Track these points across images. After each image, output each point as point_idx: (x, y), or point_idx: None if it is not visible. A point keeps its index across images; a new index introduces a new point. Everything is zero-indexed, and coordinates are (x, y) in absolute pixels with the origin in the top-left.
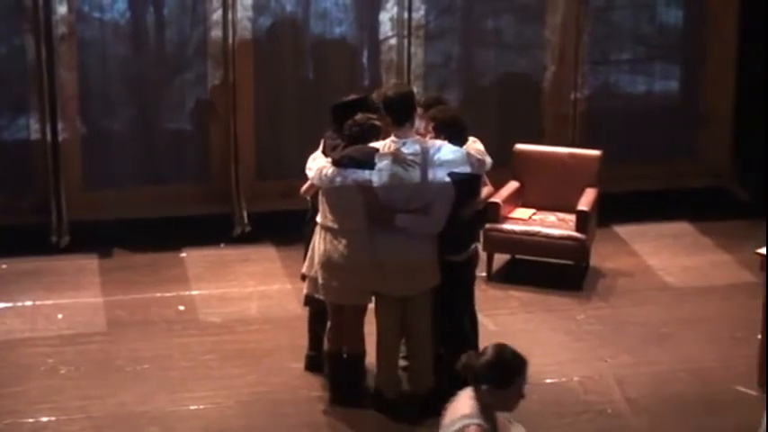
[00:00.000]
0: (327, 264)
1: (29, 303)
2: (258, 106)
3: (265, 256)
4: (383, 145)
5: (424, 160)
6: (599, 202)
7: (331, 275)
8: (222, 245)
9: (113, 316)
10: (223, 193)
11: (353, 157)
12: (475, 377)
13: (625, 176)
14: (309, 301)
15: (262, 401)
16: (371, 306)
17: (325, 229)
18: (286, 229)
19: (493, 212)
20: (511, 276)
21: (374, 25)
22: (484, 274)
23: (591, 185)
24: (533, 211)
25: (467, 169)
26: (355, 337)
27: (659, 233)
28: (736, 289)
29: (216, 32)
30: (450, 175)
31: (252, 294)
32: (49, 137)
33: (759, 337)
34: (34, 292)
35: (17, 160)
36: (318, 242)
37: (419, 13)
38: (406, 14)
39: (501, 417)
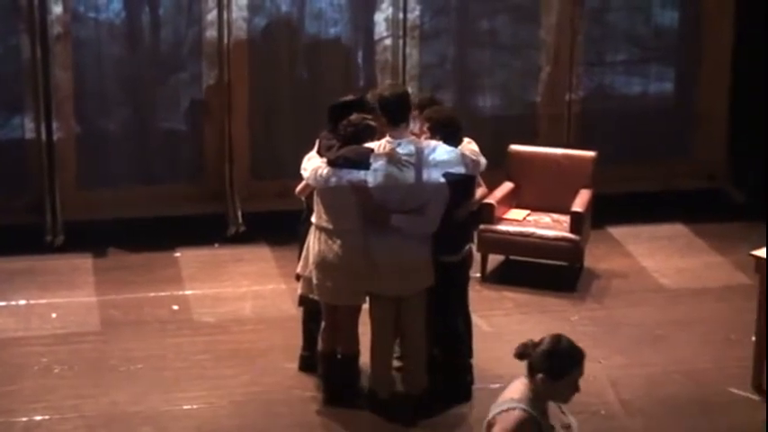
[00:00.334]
0: (322, 264)
1: (23, 302)
2: (253, 106)
3: (260, 256)
4: (378, 145)
5: (419, 161)
6: (593, 204)
7: (325, 276)
8: (216, 245)
9: (107, 315)
10: (217, 192)
11: (348, 157)
12: (530, 366)
13: (620, 178)
14: (304, 301)
15: (255, 401)
16: (366, 306)
17: (320, 229)
18: (280, 229)
19: (487, 213)
20: (505, 277)
21: (369, 26)
22: (478, 274)
23: (585, 186)
24: (528, 212)
25: (461, 170)
26: (349, 338)
27: (654, 235)
28: (731, 291)
29: (211, 32)
30: (444, 175)
31: (246, 294)
32: (43, 136)
33: (753, 339)
34: (28, 292)
35: (12, 159)
36: (313, 242)
37: (414, 14)
38: (401, 15)
39: (554, 407)
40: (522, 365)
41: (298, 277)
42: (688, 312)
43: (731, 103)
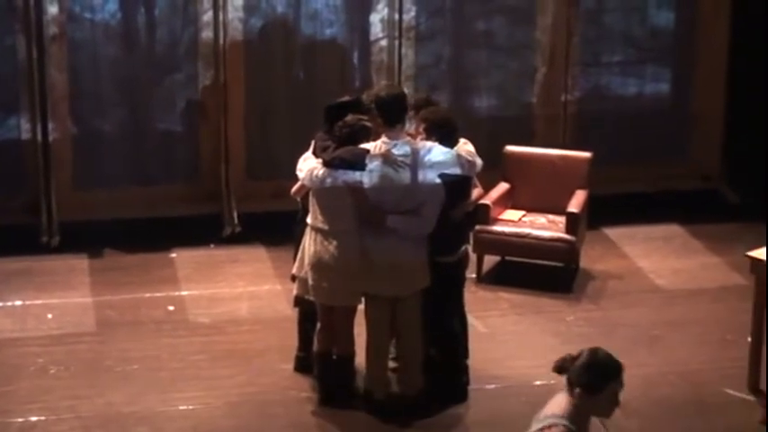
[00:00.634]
0: (318, 265)
1: (19, 303)
2: (249, 107)
3: (255, 257)
4: (374, 146)
5: (415, 161)
6: (589, 204)
7: (321, 276)
8: (212, 245)
9: (103, 316)
10: (213, 193)
11: (344, 158)
12: (568, 380)
13: (615, 178)
14: (299, 302)
15: (251, 402)
16: (361, 307)
17: (316, 230)
18: (276, 229)
19: (483, 214)
20: (501, 278)
21: (365, 26)
22: (474, 275)
23: (581, 187)
24: (523, 212)
25: (457, 171)
26: (345, 338)
27: (649, 235)
28: (726, 291)
29: (207, 33)
30: (440, 176)
31: (242, 295)
32: (39, 137)
33: (749, 339)
34: (24, 292)
35: (8, 160)
36: (309, 243)
37: (410, 15)
38: (396, 16)
39: (596, 423)
40: (518, 366)
41: (293, 278)
42: (684, 313)
43: (727, 104)
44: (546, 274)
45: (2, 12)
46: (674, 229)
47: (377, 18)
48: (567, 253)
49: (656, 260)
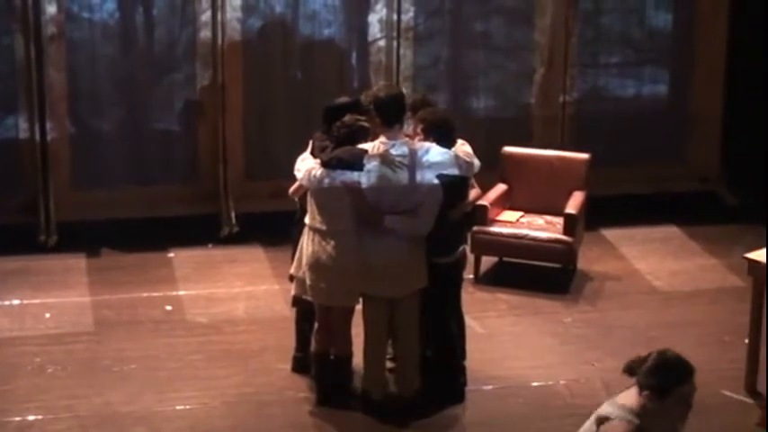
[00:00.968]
0: (315, 265)
1: (16, 302)
2: (247, 107)
3: (253, 257)
4: (372, 146)
5: (413, 162)
6: (587, 206)
7: (319, 277)
8: (210, 245)
9: (101, 316)
10: (211, 193)
11: (342, 158)
12: (637, 383)
13: (613, 180)
14: (297, 302)
15: (248, 402)
16: (359, 307)
17: (314, 230)
18: (274, 229)
19: (481, 215)
20: (498, 279)
21: (363, 27)
22: (471, 276)
23: (579, 188)
24: (521, 213)
25: (455, 171)
26: (342, 339)
27: (647, 237)
28: (724, 293)
29: (205, 33)
30: (438, 177)
31: (239, 295)
32: (37, 136)
33: (746, 341)
34: (22, 292)
35: (5, 160)
36: (306, 243)
37: (408, 15)
38: (395, 16)
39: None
40: (515, 367)
41: (291, 278)
42: (681, 315)
43: (725, 105)
44: (543, 275)
45: (0, 11)
46: (671, 231)
47: (375, 18)
48: (565, 254)
49: (653, 262)
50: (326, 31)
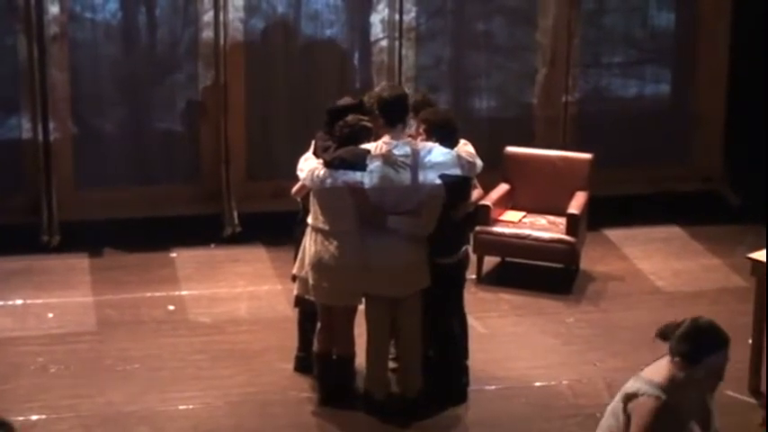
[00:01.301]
0: (318, 265)
1: (19, 302)
2: (249, 107)
3: (255, 257)
4: (375, 146)
5: (415, 162)
6: (589, 206)
7: (321, 276)
8: (212, 245)
9: (103, 315)
10: (213, 193)
11: (345, 158)
12: (670, 348)
13: (615, 180)
14: (300, 302)
15: (251, 402)
16: (361, 307)
17: (316, 230)
18: (276, 230)
19: (483, 215)
20: (501, 279)
21: (365, 27)
22: (474, 276)
23: (581, 189)
24: (523, 213)
25: (457, 171)
26: (345, 339)
27: (650, 237)
28: (727, 293)
29: (207, 33)
30: (440, 177)
31: (242, 295)
32: (40, 136)
33: (749, 341)
34: (25, 291)
35: (8, 160)
36: (309, 243)
37: (410, 15)
38: (397, 16)
39: (698, 396)
40: (518, 367)
41: (293, 278)
42: (684, 315)
43: (727, 105)
44: (546, 275)
45: (3, 11)
46: (674, 231)
47: (377, 19)
48: (568, 254)
49: (656, 262)
50: (328, 32)
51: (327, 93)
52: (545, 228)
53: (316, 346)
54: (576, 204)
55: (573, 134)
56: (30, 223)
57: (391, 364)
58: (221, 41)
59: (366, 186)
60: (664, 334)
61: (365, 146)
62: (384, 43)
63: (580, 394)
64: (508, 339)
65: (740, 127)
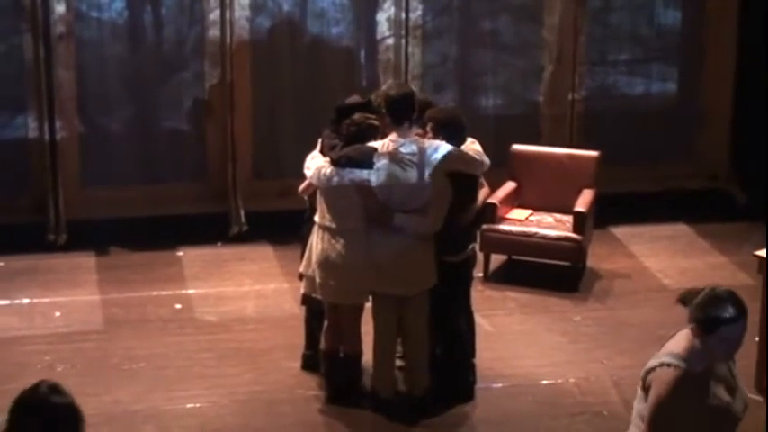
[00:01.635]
0: (325, 263)
1: (26, 301)
2: (255, 105)
3: (262, 256)
4: (382, 144)
5: (422, 160)
6: (596, 204)
7: (328, 275)
8: (219, 244)
9: (110, 314)
10: (220, 192)
11: (352, 156)
12: (688, 315)
13: (622, 178)
14: (306, 300)
15: (258, 400)
16: (368, 306)
17: (323, 228)
18: (283, 228)
19: (490, 213)
20: (508, 277)
21: (371, 25)
22: (480, 274)
23: (588, 186)
24: (530, 211)
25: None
26: (352, 337)
27: (656, 235)
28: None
29: (213, 32)
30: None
31: (248, 293)
32: (46, 135)
33: (756, 339)
34: (31, 290)
35: (15, 159)
36: (316, 241)
37: (416, 14)
38: (403, 15)
39: (723, 366)
40: (524, 365)
41: (300, 276)
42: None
43: (734, 102)
44: (553, 273)
45: (9, 11)
46: (681, 229)
47: (383, 17)
48: (574, 252)
49: (663, 259)
50: (335, 30)
51: (333, 91)
52: (552, 226)
53: (323, 345)
54: (583, 202)
55: (579, 132)
56: (36, 222)
57: (398, 363)
58: (227, 40)
59: (373, 184)
60: (684, 300)
61: (372, 144)
62: (390, 41)
63: (587, 392)
64: (515, 337)
65: (747, 125)
